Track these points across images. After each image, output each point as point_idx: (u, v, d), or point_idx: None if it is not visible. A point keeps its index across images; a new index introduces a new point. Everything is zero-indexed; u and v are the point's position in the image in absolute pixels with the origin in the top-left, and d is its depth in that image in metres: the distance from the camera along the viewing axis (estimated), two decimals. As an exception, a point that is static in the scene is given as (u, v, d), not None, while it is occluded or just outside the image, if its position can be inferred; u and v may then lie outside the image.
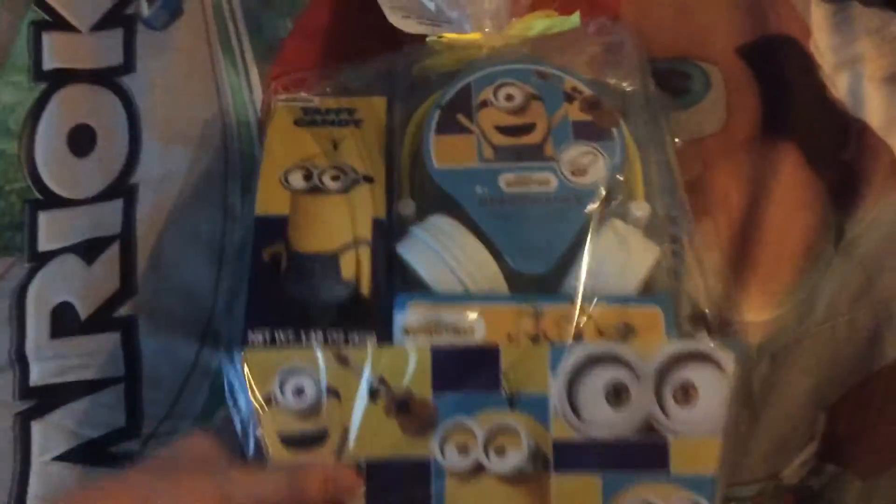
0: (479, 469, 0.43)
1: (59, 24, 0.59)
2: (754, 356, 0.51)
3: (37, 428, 0.50)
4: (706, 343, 0.45)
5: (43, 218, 0.55)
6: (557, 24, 0.54)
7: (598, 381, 0.44)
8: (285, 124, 0.51)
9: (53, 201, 0.55)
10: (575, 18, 0.54)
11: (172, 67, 0.58)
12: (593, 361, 0.44)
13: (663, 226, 0.50)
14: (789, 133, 0.56)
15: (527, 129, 0.50)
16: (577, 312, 0.45)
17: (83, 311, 0.52)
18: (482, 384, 0.44)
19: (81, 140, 0.56)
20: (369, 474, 0.43)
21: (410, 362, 0.44)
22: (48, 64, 0.58)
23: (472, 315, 0.45)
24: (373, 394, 0.44)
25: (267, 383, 0.44)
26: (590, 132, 0.50)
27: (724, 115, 0.57)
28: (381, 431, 0.43)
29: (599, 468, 0.43)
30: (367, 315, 0.46)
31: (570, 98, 0.50)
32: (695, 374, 0.44)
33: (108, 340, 0.52)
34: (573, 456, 0.43)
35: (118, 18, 0.59)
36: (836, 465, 0.50)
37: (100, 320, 0.52)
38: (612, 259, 0.46)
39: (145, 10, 0.59)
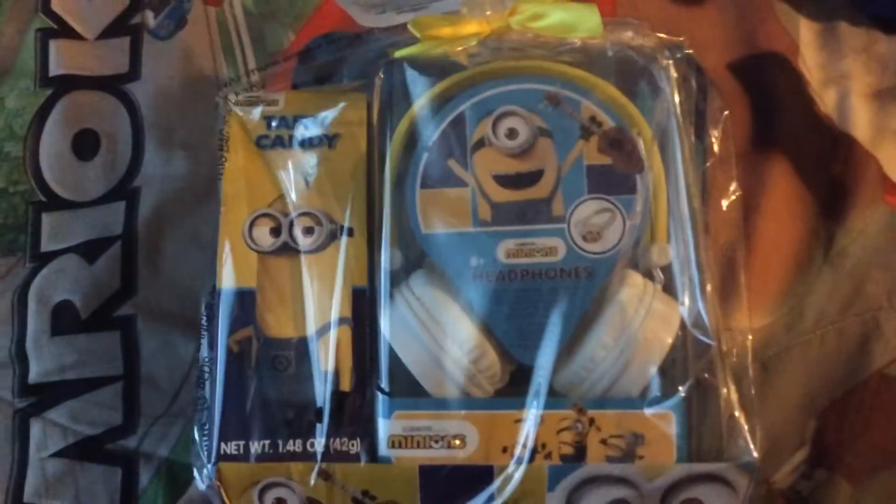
0: None
1: (66, 32, 0.60)
2: (744, 363, 0.52)
3: (35, 424, 0.51)
4: (720, 466, 0.40)
5: (46, 219, 0.55)
6: (574, 18, 0.45)
7: (599, 500, 0.40)
8: (244, 149, 0.45)
9: (57, 203, 0.56)
10: (593, 13, 0.45)
11: (176, 75, 0.59)
12: (594, 481, 0.40)
13: (683, 269, 0.44)
14: (779, 146, 0.57)
15: (532, 178, 0.42)
16: (581, 419, 0.40)
17: (84, 310, 0.53)
18: (475, 500, 0.40)
19: (85, 144, 0.57)
20: None
21: (397, 479, 0.41)
22: (54, 70, 0.59)
23: (464, 424, 0.41)
24: None
25: (244, 497, 0.41)
26: (608, 182, 0.41)
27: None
28: None
29: None
30: (350, 417, 0.42)
31: (587, 133, 0.42)
32: (704, 492, 0.40)
33: (108, 339, 0.52)
34: None
35: (124, 28, 0.60)
36: (826, 469, 0.50)
37: (100, 319, 0.53)
38: (625, 341, 0.41)
39: (151, 21, 0.60)
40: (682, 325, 0.42)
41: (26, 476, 0.50)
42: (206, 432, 0.42)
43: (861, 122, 0.58)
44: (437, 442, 0.41)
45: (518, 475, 0.40)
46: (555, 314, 0.41)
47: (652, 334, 0.41)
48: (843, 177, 0.56)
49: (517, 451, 0.40)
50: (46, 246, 0.55)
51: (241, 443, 0.41)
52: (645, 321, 0.41)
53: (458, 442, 0.41)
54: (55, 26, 0.60)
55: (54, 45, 0.59)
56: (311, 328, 0.42)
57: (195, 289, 0.53)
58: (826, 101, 0.58)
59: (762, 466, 0.50)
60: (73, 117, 0.58)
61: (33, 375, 0.52)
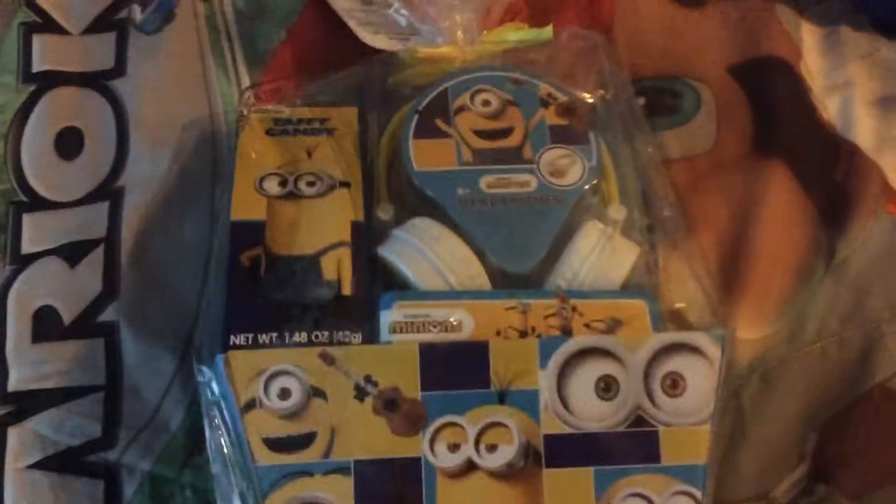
0: (470, 466, 0.43)
1: (50, 26, 0.58)
2: (745, 374, 0.51)
3: (13, 434, 0.49)
4: (692, 334, 0.45)
5: (27, 220, 0.54)
6: (531, 36, 0.56)
7: (588, 375, 0.44)
8: (257, 134, 0.51)
9: (38, 204, 0.54)
10: (547, 32, 0.55)
11: (163, 72, 0.57)
12: (583, 354, 0.44)
13: (640, 233, 0.50)
14: (780, 153, 0.56)
15: (505, 132, 0.51)
16: (565, 306, 0.45)
17: (66, 316, 0.51)
18: (471, 381, 0.44)
19: (69, 143, 0.56)
20: (358, 475, 0.43)
21: (398, 360, 0.44)
22: (38, 66, 0.57)
23: (460, 311, 0.45)
24: (360, 393, 0.43)
25: (251, 386, 0.43)
26: (566, 136, 0.50)
27: (714, 133, 0.57)
28: (369, 431, 0.43)
29: (591, 462, 0.43)
30: (351, 314, 0.45)
31: (545, 103, 0.51)
32: (682, 364, 0.44)
33: (91, 347, 0.51)
34: (564, 450, 0.43)
35: (110, 22, 0.58)
36: (826, 485, 0.50)
37: (83, 325, 0.51)
38: (595, 257, 0.47)
39: (138, 16, 0.58)
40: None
41: (4, 488, 0.48)
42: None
43: (864, 130, 0.57)
44: (434, 327, 0.45)
45: (511, 352, 0.44)
46: (533, 231, 0.48)
47: (621, 246, 0.48)
48: (845, 185, 0.55)
49: (510, 334, 0.45)
50: (27, 248, 0.53)
51: (249, 335, 0.44)
52: (612, 239, 0.48)
53: (455, 323, 0.45)
54: (39, 20, 0.58)
55: (38, 40, 0.58)
56: (315, 247, 0.47)
57: (179, 294, 0.52)
58: (828, 107, 0.58)
59: (763, 481, 0.49)
60: (57, 115, 0.56)
61: (13, 382, 0.50)
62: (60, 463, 0.49)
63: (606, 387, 0.44)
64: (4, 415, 0.49)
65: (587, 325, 0.45)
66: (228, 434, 0.43)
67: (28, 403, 0.50)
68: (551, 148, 0.50)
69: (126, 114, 0.56)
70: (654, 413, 0.44)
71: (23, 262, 0.53)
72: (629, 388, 0.44)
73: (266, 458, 0.43)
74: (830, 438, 0.50)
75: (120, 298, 0.52)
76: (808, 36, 0.60)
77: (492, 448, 0.43)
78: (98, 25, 0.58)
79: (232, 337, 0.44)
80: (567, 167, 0.49)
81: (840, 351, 0.52)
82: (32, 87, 0.57)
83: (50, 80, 0.57)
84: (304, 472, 0.43)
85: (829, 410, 0.51)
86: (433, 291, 0.46)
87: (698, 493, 0.43)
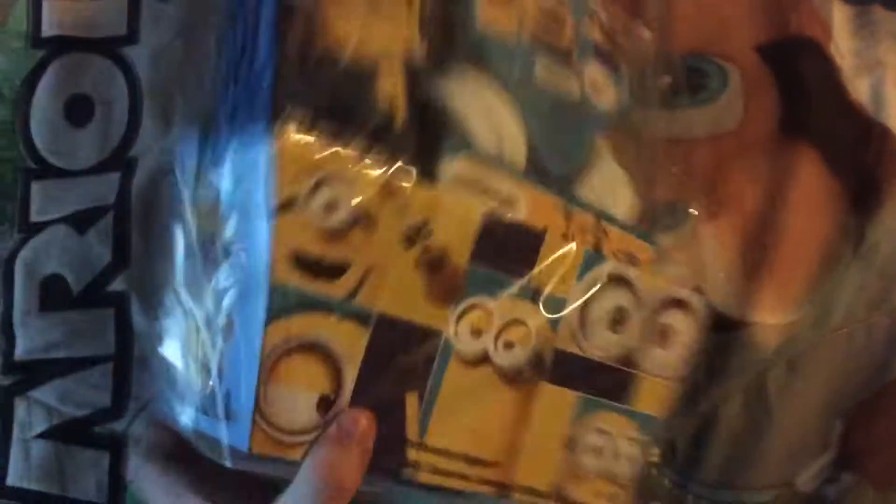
0: (483, 358, 0.41)
1: (61, -11, 0.57)
2: (770, 359, 0.50)
3: (20, 404, 0.49)
4: (697, 297, 0.45)
5: (36, 188, 0.53)
6: None
7: (609, 302, 0.43)
8: None
9: (48, 171, 0.53)
10: None
11: (176, 40, 0.56)
12: (613, 280, 0.43)
13: None
14: (808, 134, 0.55)
15: (558, 25, 0.46)
16: (600, 224, 0.44)
17: (75, 285, 0.50)
18: (518, 266, 0.41)
19: (79, 110, 0.54)
20: (377, 328, 0.38)
21: (457, 219, 0.39)
22: (48, 31, 0.56)
23: (518, 190, 0.42)
24: (409, 239, 0.38)
25: (297, 182, 0.35)
26: (607, 59, 0.48)
27: (740, 113, 0.56)
28: (404, 285, 0.38)
29: (580, 388, 0.43)
30: (405, 148, 0.38)
31: (591, 15, 0.48)
32: (676, 319, 0.45)
33: (100, 316, 0.50)
34: (567, 370, 0.43)
35: (123, -13, 0.57)
36: (851, 473, 0.49)
37: (92, 295, 0.50)
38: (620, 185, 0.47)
39: (154, -20, 0.57)
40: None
41: (9, 458, 0.48)
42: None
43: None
44: (494, 196, 0.41)
45: (561, 251, 0.42)
46: (576, 137, 0.45)
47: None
48: (875, 169, 0.54)
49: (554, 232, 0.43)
50: (36, 216, 0.52)
51: (308, 113, 0.36)
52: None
53: (512, 202, 0.41)
54: (49, -17, 0.57)
55: (48, 4, 0.57)
56: (371, 56, 0.40)
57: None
58: (859, 89, 0.56)
59: (787, 469, 0.49)
60: (67, 81, 0.55)
61: (19, 352, 0.49)
62: (66, 433, 0.48)
63: (618, 320, 0.44)
64: (11, 384, 0.49)
65: (612, 253, 0.44)
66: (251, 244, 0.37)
67: (35, 373, 0.49)
68: (594, 62, 0.47)
69: (138, 81, 0.55)
70: (642, 358, 0.44)
71: (31, 230, 0.52)
72: (634, 328, 0.44)
73: (287, 277, 0.36)
74: (856, 426, 0.50)
75: (130, 268, 0.51)
76: (839, 15, 0.58)
77: (508, 345, 0.41)
78: (111, -10, 0.57)
79: (290, 109, 0.36)
80: (604, 87, 0.47)
81: (867, 338, 0.51)
82: (42, 53, 0.55)
83: (60, 46, 0.56)
84: (324, 305, 0.37)
85: (855, 398, 0.50)
86: (497, 158, 0.42)
87: (647, 441, 0.45)
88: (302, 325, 0.37)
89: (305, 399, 0.37)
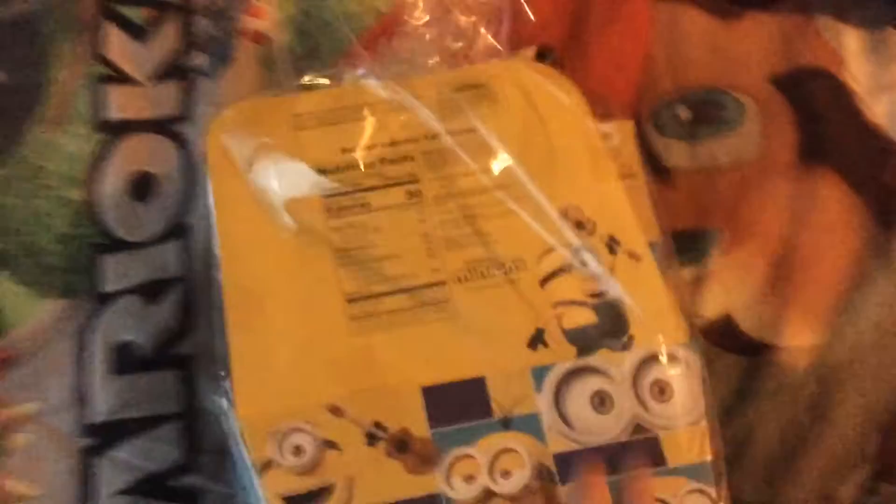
0: (488, 495, 0.44)
1: (121, 77, 0.61)
2: (802, 380, 0.51)
3: (100, 463, 0.52)
4: (667, 347, 0.47)
5: (107, 261, 0.57)
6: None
7: (581, 392, 0.46)
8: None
9: (117, 245, 0.57)
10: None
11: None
12: (573, 374, 0.46)
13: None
14: (828, 159, 0.57)
15: None
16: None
17: (145, 350, 0.54)
18: (475, 413, 0.45)
19: (142, 186, 0.58)
20: None
21: (403, 402, 0.45)
22: (110, 115, 0.60)
23: None
24: (371, 439, 0.44)
25: (266, 448, 0.44)
26: None
27: (760, 142, 0.58)
28: (386, 475, 0.44)
29: (603, 473, 0.44)
30: None
31: None
32: (664, 373, 0.46)
33: (168, 378, 0.53)
34: (575, 465, 0.45)
35: (176, 70, 0.61)
36: (890, 484, 0.49)
37: (160, 359, 0.54)
38: None
39: (201, 62, 0.61)
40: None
41: (95, 513, 0.51)
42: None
43: (913, 130, 0.57)
44: None
45: (507, 381, 0.46)
46: None
47: None
48: (896, 186, 0.55)
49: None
50: (108, 287, 0.56)
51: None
52: None
53: None
54: (110, 72, 0.62)
55: (109, 91, 0.61)
56: None
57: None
58: (875, 110, 0.58)
59: (827, 483, 0.49)
60: (130, 160, 0.59)
61: (95, 415, 0.53)
62: (147, 488, 0.51)
63: (601, 401, 0.46)
64: (90, 446, 0.52)
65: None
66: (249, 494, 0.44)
67: (111, 434, 0.52)
68: None
69: (193, 155, 0.59)
70: (650, 419, 0.46)
71: (103, 300, 0.56)
72: (622, 399, 0.46)
73: None
74: (893, 438, 0.50)
75: (195, 333, 0.54)
76: (852, 41, 0.60)
77: (506, 474, 0.44)
78: (165, 74, 0.61)
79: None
80: None
81: None
82: (106, 136, 0.60)
83: (122, 129, 0.60)
84: None
85: (890, 411, 0.51)
86: None
87: (711, 489, 0.45)
88: None
89: None
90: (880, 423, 0.51)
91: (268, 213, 0.50)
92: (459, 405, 0.45)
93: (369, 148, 0.52)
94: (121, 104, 0.61)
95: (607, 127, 0.54)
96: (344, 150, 0.52)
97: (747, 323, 0.53)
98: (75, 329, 0.55)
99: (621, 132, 0.55)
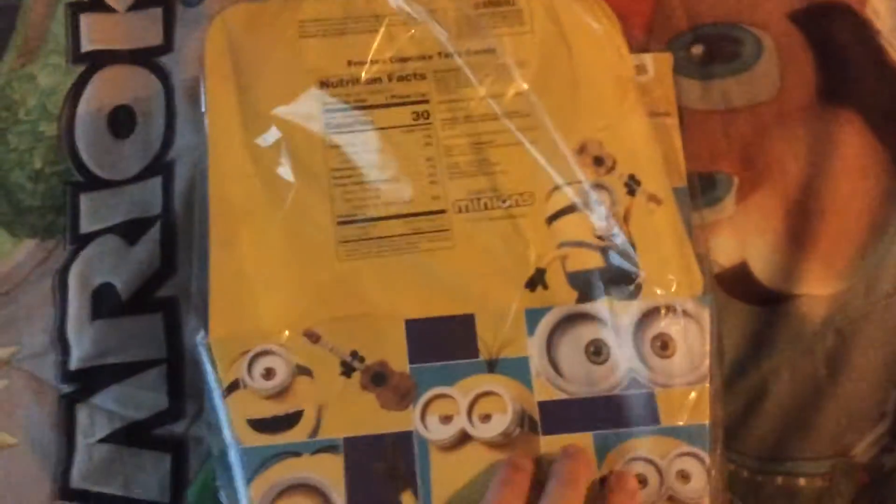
0: (464, 437, 0.43)
1: (96, 4, 0.58)
2: (819, 331, 0.49)
3: (81, 410, 0.50)
4: (678, 299, 0.45)
5: (84, 200, 0.54)
6: None
7: (577, 340, 0.44)
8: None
9: (94, 183, 0.54)
10: None
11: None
12: (570, 320, 0.44)
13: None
14: (848, 100, 0.54)
15: None
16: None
17: (124, 292, 0.51)
18: (460, 352, 0.43)
19: (121, 122, 0.55)
20: (348, 452, 0.42)
21: (384, 334, 0.43)
22: (86, 46, 0.57)
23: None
24: (347, 369, 0.43)
25: (233, 367, 0.43)
26: None
27: (777, 81, 0.55)
28: (357, 407, 0.42)
29: (589, 427, 0.43)
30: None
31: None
32: (670, 326, 0.44)
33: (150, 322, 0.51)
34: (560, 416, 0.43)
35: (155, -2, 0.58)
36: (909, 442, 0.48)
37: (141, 301, 0.51)
38: None
39: (183, -11, 0.58)
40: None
41: (74, 462, 0.49)
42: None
43: (940, 70, 0.54)
44: None
45: (498, 321, 0.44)
46: None
47: None
48: (921, 130, 0.53)
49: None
50: (85, 227, 0.53)
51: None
52: None
53: None
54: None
55: (85, 19, 0.58)
56: None
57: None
58: (900, 48, 0.55)
59: (842, 439, 0.48)
60: (108, 94, 0.56)
61: (75, 361, 0.50)
62: (128, 436, 0.49)
63: (597, 351, 0.44)
64: (71, 392, 0.50)
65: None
66: (217, 415, 0.43)
67: (93, 380, 0.50)
68: None
69: (173, 86, 0.56)
70: (647, 375, 0.44)
71: (82, 241, 0.53)
72: (619, 351, 0.44)
73: (251, 440, 0.42)
74: (912, 395, 0.49)
75: (177, 274, 0.52)
76: (875, -25, 0.57)
77: (485, 418, 0.43)
78: (144, 2, 0.58)
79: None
80: None
81: None
82: (82, 68, 0.57)
83: (99, 60, 0.57)
84: (291, 452, 0.42)
85: (909, 366, 0.49)
86: None
87: (703, 454, 0.43)
88: (280, 472, 0.42)
89: None
90: (898, 379, 0.49)
91: (261, 124, 0.47)
92: (444, 342, 0.43)
93: (377, 62, 0.49)
94: (97, 34, 0.57)
95: (643, 59, 0.52)
96: (349, 63, 0.49)
97: (764, 272, 0.51)
98: (52, 271, 0.52)
99: (658, 66, 0.52)
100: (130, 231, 0.53)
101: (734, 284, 0.50)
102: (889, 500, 0.47)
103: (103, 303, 0.51)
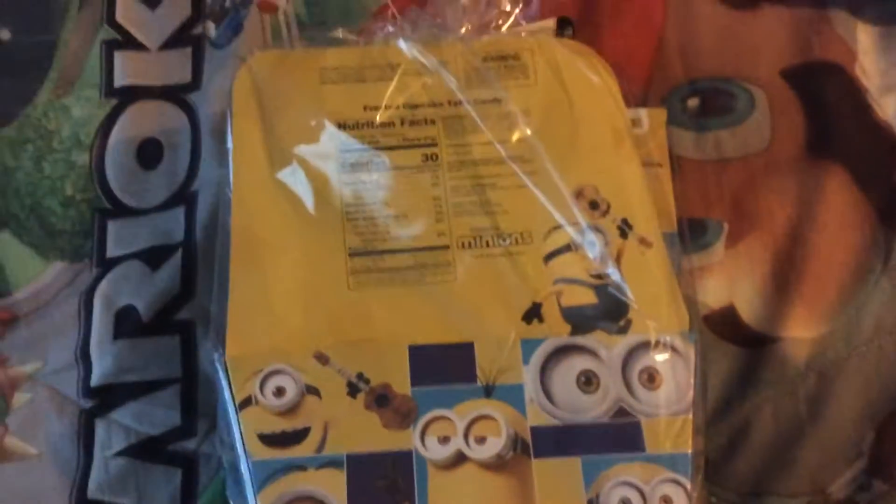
0: (460, 458, 0.45)
1: (130, 43, 0.61)
2: (802, 373, 0.52)
3: (100, 424, 0.52)
4: (664, 335, 0.47)
5: (111, 226, 0.57)
6: None
7: (569, 370, 0.46)
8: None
9: (121, 210, 0.57)
10: None
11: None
12: (563, 351, 0.47)
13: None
14: (835, 154, 0.57)
15: None
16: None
17: (146, 315, 0.54)
18: (459, 377, 0.46)
19: (149, 153, 0.58)
20: (350, 468, 0.44)
21: (388, 358, 0.46)
22: (119, 81, 0.60)
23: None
24: (352, 390, 0.46)
25: (247, 385, 0.46)
26: None
27: (768, 134, 0.58)
28: (361, 426, 0.45)
29: (578, 452, 0.45)
30: None
31: None
32: (657, 360, 0.47)
33: (168, 343, 0.54)
34: (551, 441, 0.45)
35: (186, 38, 0.61)
36: (882, 481, 0.50)
37: (161, 323, 0.54)
38: None
39: (212, 32, 0.61)
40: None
41: (90, 474, 0.51)
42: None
43: (923, 129, 0.57)
44: None
45: (496, 350, 0.46)
46: None
47: None
48: (905, 185, 0.55)
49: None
50: (111, 252, 0.56)
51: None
52: None
53: None
54: (119, 37, 0.62)
55: (119, 56, 0.61)
56: None
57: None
58: (885, 108, 0.58)
59: (820, 476, 0.50)
60: (138, 127, 0.59)
61: (96, 377, 0.53)
62: (143, 451, 0.51)
63: (587, 381, 0.46)
64: (91, 408, 0.52)
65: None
66: (229, 430, 0.45)
67: (111, 397, 0.52)
68: None
69: (199, 123, 0.59)
70: (634, 405, 0.46)
71: (107, 265, 0.56)
72: (609, 381, 0.46)
73: (260, 453, 0.45)
74: (888, 436, 0.50)
75: (195, 298, 0.54)
76: (864, 37, 0.60)
77: (481, 440, 0.45)
78: (175, 41, 0.61)
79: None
80: None
81: None
82: (115, 101, 0.60)
83: (131, 95, 0.60)
84: (298, 466, 0.45)
85: (886, 408, 0.51)
86: None
87: (685, 480, 0.45)
88: (287, 484, 0.45)
89: None
90: (876, 421, 0.51)
91: (282, 161, 0.51)
92: (444, 367, 0.46)
93: (391, 108, 0.52)
94: (130, 70, 0.61)
95: (639, 113, 0.55)
96: (366, 108, 0.52)
97: (750, 314, 0.53)
98: (77, 292, 0.55)
99: (653, 119, 0.55)
100: (153, 257, 0.55)
101: (721, 326, 0.53)
102: (862, 535, 0.49)
103: (125, 323, 0.54)
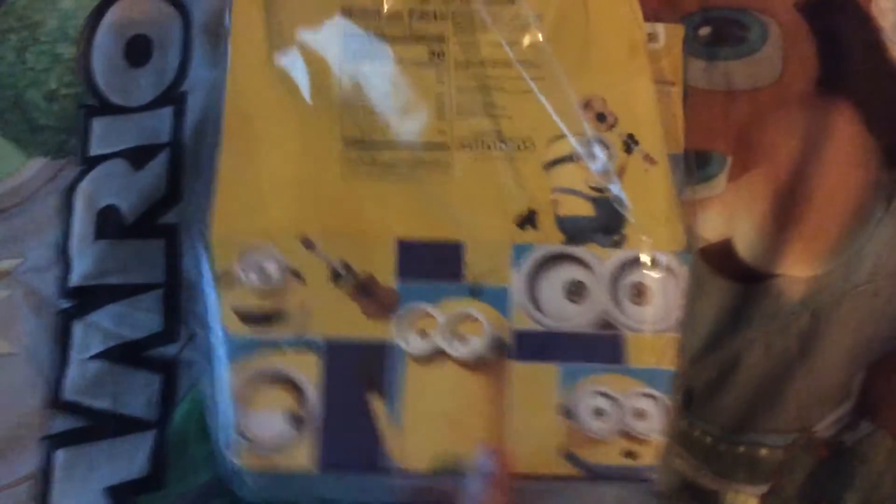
0: (439, 353, 0.45)
1: (123, -66, 0.59)
2: (797, 310, 0.51)
3: (77, 326, 0.51)
4: (659, 253, 0.46)
5: (96, 123, 0.55)
6: None
7: (558, 278, 0.46)
8: None
9: (107, 108, 0.55)
10: None
11: None
12: (554, 259, 0.46)
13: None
14: (845, 91, 0.55)
15: None
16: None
17: (129, 216, 0.53)
18: (446, 274, 0.45)
19: (138, 50, 0.56)
20: (327, 353, 0.44)
21: (376, 249, 0.45)
22: (109, -27, 0.58)
23: None
24: (336, 277, 0.45)
25: (228, 260, 0.45)
26: None
27: (779, 67, 0.56)
28: (342, 313, 0.45)
29: (558, 358, 0.45)
30: None
31: None
32: (648, 277, 0.46)
33: (152, 246, 0.52)
34: (532, 345, 0.45)
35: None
36: (870, 421, 0.50)
37: (144, 226, 0.53)
38: None
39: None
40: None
41: (66, 375, 0.50)
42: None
43: (936, 71, 0.55)
44: None
45: (486, 251, 0.46)
46: None
47: None
48: (913, 126, 0.54)
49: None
50: (95, 150, 0.54)
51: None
52: None
53: None
54: (111, -72, 0.59)
55: (111, -52, 0.59)
56: None
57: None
58: (900, 48, 0.56)
59: (807, 415, 0.50)
60: (127, 22, 0.57)
61: (75, 278, 0.52)
62: (121, 355, 0.50)
63: (575, 290, 0.46)
64: (68, 308, 0.51)
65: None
66: (206, 304, 0.45)
67: (91, 298, 0.51)
68: None
69: (191, 19, 0.57)
70: (619, 318, 0.46)
71: (90, 163, 0.54)
72: (597, 293, 0.46)
73: (236, 329, 0.44)
74: (878, 378, 0.50)
75: (181, 202, 0.53)
76: (883, -27, 0.58)
77: (462, 338, 0.45)
78: (169, -65, 0.59)
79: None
80: None
81: (893, 292, 0.51)
82: (105, -7, 0.58)
83: (121, -13, 0.58)
84: (274, 344, 0.45)
85: (878, 350, 0.51)
86: None
87: (662, 396, 0.45)
88: (261, 362, 0.44)
89: (278, 418, 0.44)
90: (867, 362, 0.51)
91: (282, 44, 0.49)
92: (432, 264, 0.45)
93: None
94: (122, -38, 0.58)
95: (655, 28, 0.53)
96: None
97: (746, 250, 0.52)
98: (59, 189, 0.54)
99: (669, 36, 0.54)
100: (138, 157, 0.54)
101: (717, 259, 0.52)
102: (845, 473, 0.49)
103: (107, 224, 0.52)
